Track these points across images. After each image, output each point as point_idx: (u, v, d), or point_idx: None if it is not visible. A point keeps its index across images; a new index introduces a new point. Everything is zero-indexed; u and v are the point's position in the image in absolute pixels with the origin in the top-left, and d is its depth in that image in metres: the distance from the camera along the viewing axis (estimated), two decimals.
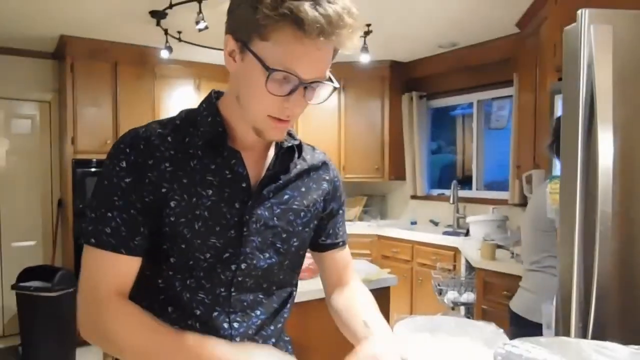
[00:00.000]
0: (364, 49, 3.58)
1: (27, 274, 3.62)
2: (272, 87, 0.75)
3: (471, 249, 3.18)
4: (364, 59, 3.70)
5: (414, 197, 4.70)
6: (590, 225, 1.16)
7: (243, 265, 0.86)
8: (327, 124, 4.65)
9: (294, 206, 0.91)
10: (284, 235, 0.90)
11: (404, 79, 4.71)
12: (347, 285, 1.06)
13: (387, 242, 4.21)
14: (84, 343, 3.67)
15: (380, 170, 4.66)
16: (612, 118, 1.13)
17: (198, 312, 0.84)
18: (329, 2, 0.71)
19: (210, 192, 0.83)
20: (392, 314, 2.32)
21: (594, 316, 1.12)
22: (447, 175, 4.68)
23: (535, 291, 1.74)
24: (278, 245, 0.89)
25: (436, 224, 4.42)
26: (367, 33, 3.58)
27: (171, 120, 0.88)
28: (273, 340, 0.93)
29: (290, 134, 0.93)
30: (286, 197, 0.90)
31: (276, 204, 0.89)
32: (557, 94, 2.06)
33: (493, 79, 4.00)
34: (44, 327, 3.43)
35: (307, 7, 0.70)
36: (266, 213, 0.87)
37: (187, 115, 0.88)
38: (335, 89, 0.81)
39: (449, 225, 4.23)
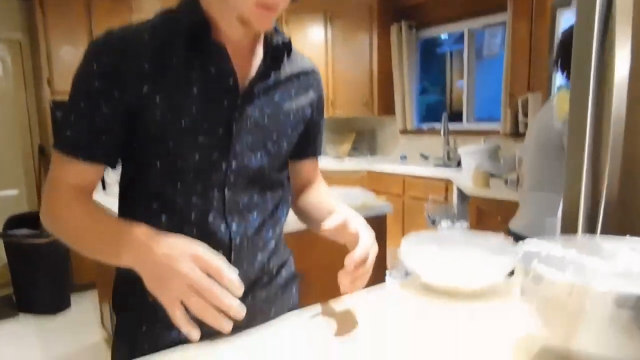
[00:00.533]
0: None
1: (14, 222, 3.56)
2: None
3: (464, 179, 3.17)
4: None
5: (403, 132, 4.64)
6: (601, 133, 1.12)
7: (234, 164, 0.83)
8: (313, 59, 4.47)
9: (285, 107, 0.89)
10: (275, 137, 0.88)
11: (393, 7, 4.53)
12: (314, 185, 1.08)
13: (378, 177, 4.19)
14: (79, 289, 3.73)
15: (369, 105, 4.57)
16: (631, 19, 1.05)
17: (193, 217, 0.82)
18: None
19: (196, 89, 0.79)
20: (388, 246, 2.32)
21: (602, 223, 1.09)
22: (436, 112, 4.60)
23: (537, 209, 1.73)
24: (269, 147, 0.87)
25: (426, 157, 4.40)
26: None
27: (148, 20, 0.82)
28: (273, 242, 0.93)
29: (276, 30, 0.88)
30: (276, 98, 0.88)
31: (266, 104, 0.86)
32: (561, 6, 1.97)
33: (485, 5, 3.85)
34: (36, 275, 3.41)
35: None
36: (256, 112, 0.84)
37: (165, 13, 0.83)
38: None
39: (440, 159, 4.20)
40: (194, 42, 0.79)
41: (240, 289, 0.64)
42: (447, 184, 3.57)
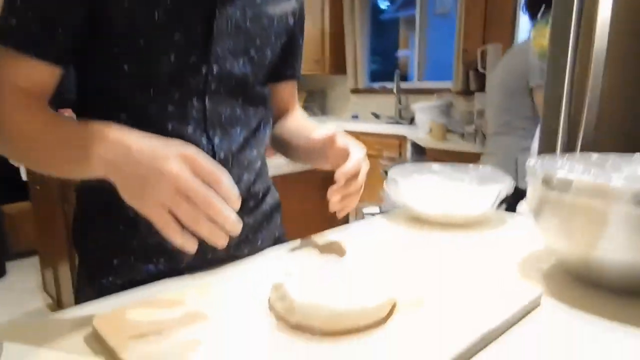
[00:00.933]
0: None
1: None
2: None
3: (419, 134, 3.18)
4: None
5: (354, 90, 4.59)
6: (582, 63, 1.11)
7: (215, 69, 0.73)
8: None
9: (268, 11, 0.80)
10: (258, 42, 0.79)
11: None
12: (293, 112, 1.01)
13: None
14: (15, 256, 3.47)
15: (320, 63, 4.47)
16: None
17: (170, 128, 0.71)
18: None
19: None
20: None
21: (580, 145, 1.10)
22: (387, 74, 4.57)
23: (503, 154, 1.74)
24: (252, 53, 0.78)
25: (378, 116, 4.39)
26: None
27: None
28: (259, 163, 0.85)
29: None
30: (258, 0, 0.78)
31: (248, 6, 0.76)
32: None
33: None
34: None
35: None
36: (237, 13, 0.75)
37: None
38: None
39: (392, 118, 4.21)
40: None
41: (238, 201, 0.54)
42: (401, 140, 3.57)
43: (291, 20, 0.86)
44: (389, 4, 4.45)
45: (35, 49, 0.64)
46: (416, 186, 0.98)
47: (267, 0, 0.80)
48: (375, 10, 4.60)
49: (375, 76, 4.70)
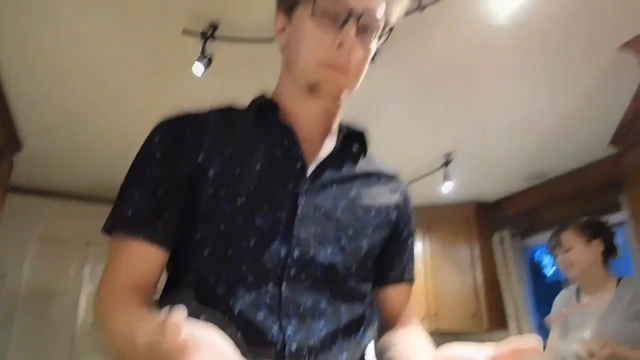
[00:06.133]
0: (447, 177, 3.46)
1: None
2: (320, 21, 0.70)
3: None
4: (446, 188, 3.56)
5: None
6: None
7: (296, 253, 0.66)
8: None
9: (363, 202, 0.75)
10: (351, 232, 0.72)
11: (492, 218, 4.43)
12: (406, 323, 0.83)
13: None
14: None
15: (477, 318, 4.09)
16: None
17: (237, 311, 0.62)
18: None
19: (258, 166, 0.70)
20: None
21: None
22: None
23: None
24: (343, 243, 0.71)
25: None
26: (447, 162, 3.50)
27: (215, 108, 0.80)
28: None
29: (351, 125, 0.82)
30: (353, 192, 0.75)
31: (340, 197, 0.73)
32: None
33: (595, 207, 3.63)
34: None
35: None
36: (328, 202, 0.72)
37: (233, 105, 0.81)
38: (391, 29, 0.74)
39: None
40: (261, 124, 0.74)
41: None
42: None
43: (394, 215, 0.81)
44: (554, 268, 4.19)
45: (147, 230, 0.66)
46: None
47: (361, 192, 0.76)
48: (535, 267, 4.33)
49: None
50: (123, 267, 0.66)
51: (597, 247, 1.95)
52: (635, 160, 2.90)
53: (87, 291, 4.07)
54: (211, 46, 2.18)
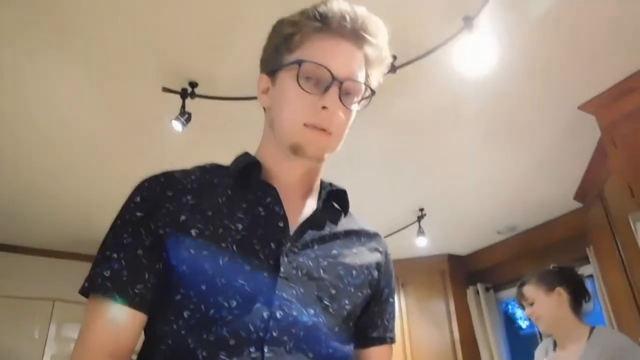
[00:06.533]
0: (420, 232, 3.50)
1: None
2: (305, 85, 0.72)
3: None
4: (420, 242, 3.59)
5: None
6: None
7: (279, 314, 0.65)
8: None
9: (345, 261, 0.76)
10: (333, 292, 0.72)
11: (466, 271, 4.47)
12: None
13: None
14: None
15: None
16: None
17: None
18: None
19: (240, 226, 0.70)
20: None
21: None
22: None
23: None
24: (326, 303, 0.70)
25: None
26: (420, 217, 3.56)
27: (197, 165, 0.81)
28: None
29: (332, 184, 0.84)
30: (334, 251, 0.76)
31: (322, 256, 0.73)
32: None
33: (564, 259, 3.71)
34: None
35: (326, 4, 0.73)
36: (310, 263, 0.71)
37: (215, 163, 0.82)
38: (373, 92, 0.77)
39: None
40: (243, 184, 0.75)
41: None
42: None
43: (375, 274, 0.81)
44: (528, 323, 4.21)
45: (124, 292, 0.65)
46: None
47: (343, 251, 0.77)
48: (510, 320, 4.34)
49: None
50: (99, 332, 0.64)
51: (560, 296, 1.84)
52: (598, 214, 3.01)
53: (51, 352, 3.86)
54: (190, 104, 2.23)
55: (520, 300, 1.96)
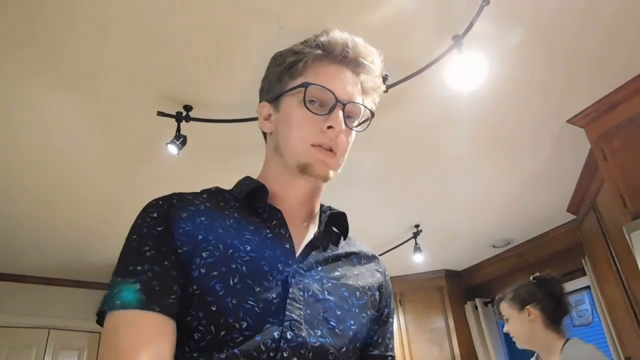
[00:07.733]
0: (417, 248, 3.50)
1: None
2: (311, 107, 0.75)
3: None
4: (417, 258, 3.59)
5: None
6: None
7: (289, 335, 0.66)
8: None
9: (349, 282, 0.78)
10: (339, 313, 0.73)
11: (463, 286, 4.47)
12: None
13: None
14: None
15: None
16: None
17: None
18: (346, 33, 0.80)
19: (249, 247, 0.71)
20: None
21: None
22: None
23: None
24: (332, 324, 0.72)
25: None
26: (416, 234, 3.56)
27: (203, 189, 0.82)
28: None
29: (332, 207, 0.87)
30: (337, 273, 0.78)
31: (326, 278, 0.76)
32: None
33: (561, 271, 3.72)
34: None
35: (328, 34, 0.78)
36: (315, 284, 0.73)
37: (218, 187, 0.84)
38: (372, 114, 0.81)
39: None
40: (250, 207, 0.77)
41: None
42: None
43: (377, 294, 0.83)
44: None
45: (161, 302, 0.63)
46: None
47: (346, 273, 0.79)
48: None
49: None
50: (139, 347, 0.60)
51: (532, 314, 1.79)
52: (592, 226, 3.03)
53: None
54: (185, 127, 2.24)
55: (499, 316, 1.96)
